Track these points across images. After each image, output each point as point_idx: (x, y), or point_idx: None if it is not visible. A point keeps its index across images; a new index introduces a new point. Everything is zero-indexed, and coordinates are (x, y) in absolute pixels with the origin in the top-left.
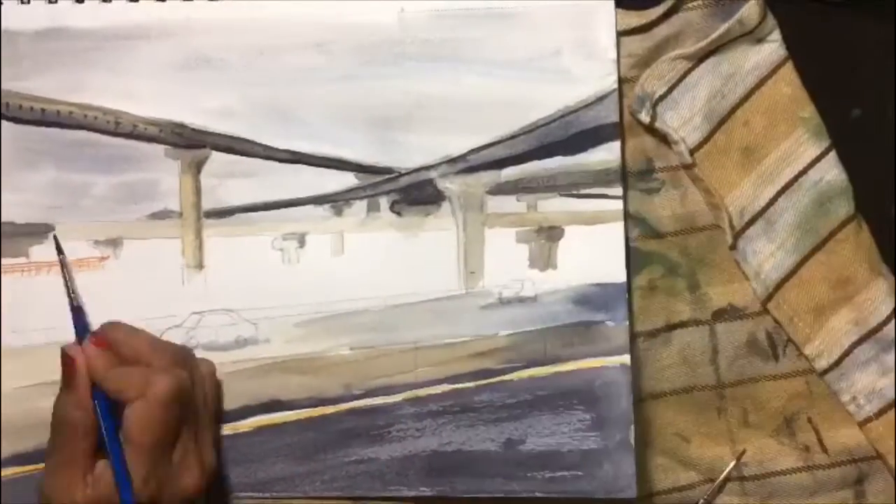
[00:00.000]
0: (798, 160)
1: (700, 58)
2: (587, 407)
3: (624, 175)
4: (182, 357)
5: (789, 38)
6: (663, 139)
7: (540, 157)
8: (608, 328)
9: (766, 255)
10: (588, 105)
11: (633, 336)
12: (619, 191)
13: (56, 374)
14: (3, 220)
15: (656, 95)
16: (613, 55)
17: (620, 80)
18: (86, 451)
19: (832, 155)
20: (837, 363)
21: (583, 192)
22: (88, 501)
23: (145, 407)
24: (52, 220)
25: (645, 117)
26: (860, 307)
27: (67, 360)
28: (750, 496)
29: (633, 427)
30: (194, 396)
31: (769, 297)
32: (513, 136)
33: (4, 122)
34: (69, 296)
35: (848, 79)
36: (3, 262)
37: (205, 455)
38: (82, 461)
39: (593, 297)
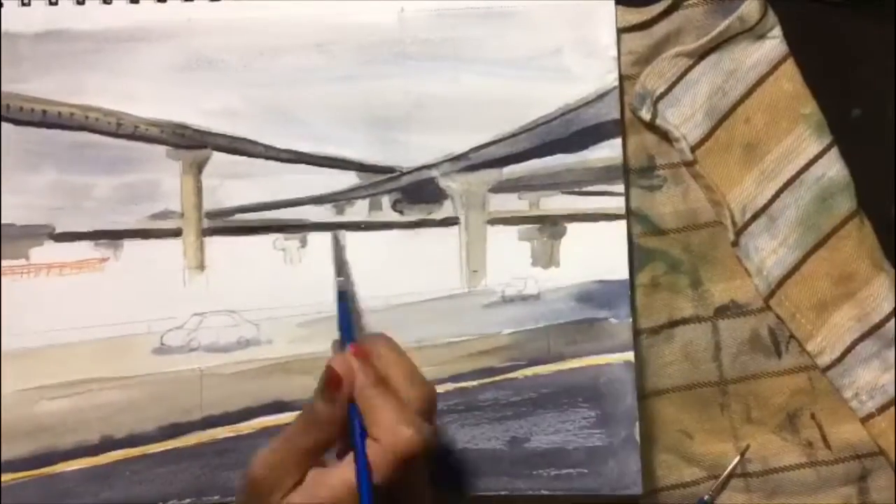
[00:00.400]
0: (800, 157)
1: (700, 55)
2: (592, 404)
3: (626, 172)
4: (431, 403)
5: (789, 39)
6: (664, 136)
7: (541, 155)
8: (612, 325)
9: (769, 251)
10: (589, 103)
11: (636, 333)
12: (620, 188)
13: (55, 377)
14: (3, 221)
15: (657, 93)
16: (614, 53)
17: (621, 77)
18: (318, 446)
19: (834, 151)
20: (840, 359)
21: (585, 189)
22: (294, 499)
23: (387, 454)
24: (53, 221)
25: (646, 114)
26: (863, 303)
27: (333, 375)
28: (754, 492)
29: (637, 424)
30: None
31: (771, 294)
32: (514, 135)
33: (5, 124)
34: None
35: (848, 79)
36: (2, 264)
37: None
38: (308, 454)
39: (596, 295)
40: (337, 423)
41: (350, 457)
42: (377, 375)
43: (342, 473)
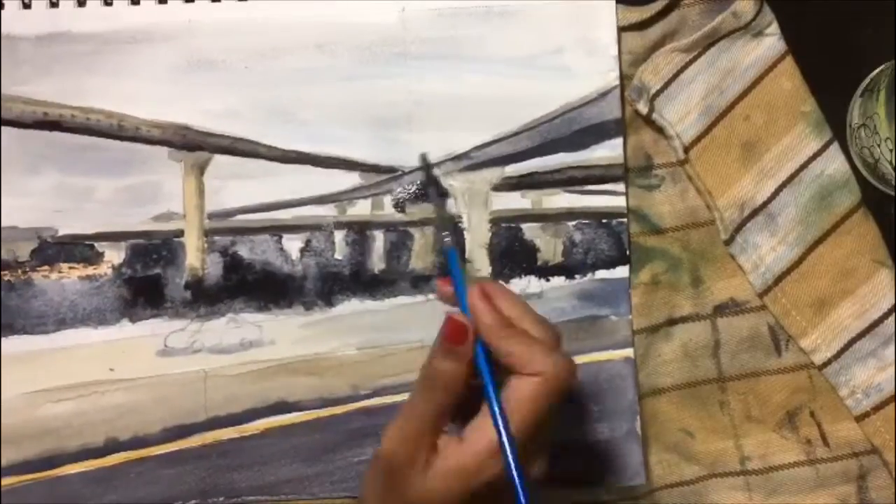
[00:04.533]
0: (799, 154)
1: (697, 53)
2: (594, 399)
3: (626, 170)
4: (561, 339)
5: (788, 36)
6: (661, 133)
7: (543, 154)
8: (612, 322)
9: (768, 248)
10: (590, 102)
11: (636, 331)
12: (622, 187)
13: (59, 380)
14: (5, 224)
15: (653, 90)
16: (615, 52)
17: (622, 76)
18: (444, 409)
19: (834, 147)
20: (837, 356)
21: (586, 188)
22: (436, 470)
23: (542, 385)
24: (55, 223)
25: (643, 108)
26: (862, 300)
27: (456, 325)
28: (753, 490)
29: (638, 417)
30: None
31: (767, 290)
32: (516, 133)
33: (6, 127)
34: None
35: (848, 78)
36: (4, 267)
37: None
38: (437, 420)
39: (597, 293)
40: (461, 379)
41: (482, 415)
42: (504, 316)
43: (483, 432)
